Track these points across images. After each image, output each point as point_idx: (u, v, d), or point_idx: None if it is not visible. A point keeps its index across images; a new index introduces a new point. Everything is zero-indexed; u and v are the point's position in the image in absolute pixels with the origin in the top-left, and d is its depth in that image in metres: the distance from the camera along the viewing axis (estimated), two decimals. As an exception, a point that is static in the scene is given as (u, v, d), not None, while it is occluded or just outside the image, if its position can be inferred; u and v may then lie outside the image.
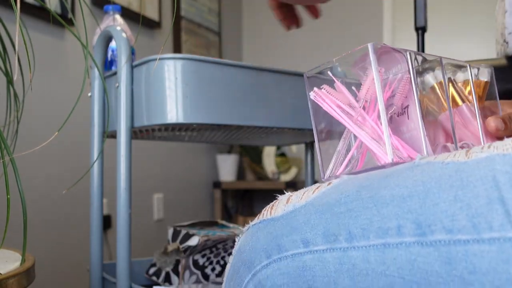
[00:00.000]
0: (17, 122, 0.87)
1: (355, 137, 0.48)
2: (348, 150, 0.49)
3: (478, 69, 0.54)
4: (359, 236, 0.37)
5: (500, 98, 0.55)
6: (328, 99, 0.48)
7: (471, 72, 0.52)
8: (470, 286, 0.32)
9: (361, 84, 0.47)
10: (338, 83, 0.48)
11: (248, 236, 0.47)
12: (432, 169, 0.37)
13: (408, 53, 0.47)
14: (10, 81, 0.80)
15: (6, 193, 0.59)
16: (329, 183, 0.44)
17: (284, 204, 0.45)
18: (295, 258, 0.41)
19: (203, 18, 2.54)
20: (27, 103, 1.35)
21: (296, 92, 0.96)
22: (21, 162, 1.39)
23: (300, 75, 0.97)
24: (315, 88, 0.49)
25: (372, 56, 0.44)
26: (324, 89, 0.48)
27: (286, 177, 2.58)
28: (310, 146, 1.33)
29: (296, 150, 2.68)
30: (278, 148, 2.60)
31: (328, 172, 0.49)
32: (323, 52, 2.55)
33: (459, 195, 0.33)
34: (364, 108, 0.47)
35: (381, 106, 0.44)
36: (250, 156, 2.60)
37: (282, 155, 2.65)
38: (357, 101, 0.47)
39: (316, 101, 0.48)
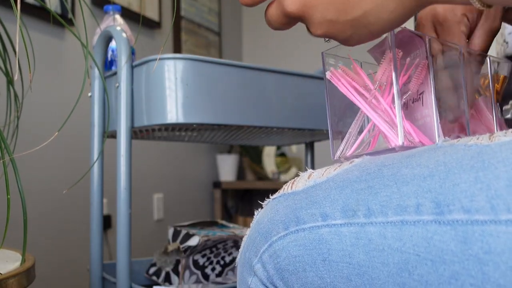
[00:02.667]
0: (17, 122, 0.87)
1: (368, 119, 0.48)
2: (360, 132, 0.49)
3: (498, 63, 0.53)
4: (378, 212, 0.38)
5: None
6: (344, 80, 0.47)
7: (490, 65, 0.52)
8: (484, 265, 0.32)
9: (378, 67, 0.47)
10: (355, 64, 0.48)
11: (267, 209, 0.47)
12: (455, 150, 0.37)
13: (427, 38, 0.46)
14: (10, 81, 0.80)
15: (6, 193, 0.59)
16: (351, 162, 0.44)
17: (305, 180, 0.45)
18: (313, 230, 0.41)
19: (203, 18, 2.54)
20: (27, 103, 1.35)
21: (296, 92, 0.96)
22: (21, 162, 1.39)
23: (300, 75, 0.97)
24: (331, 68, 0.48)
25: (390, 38, 0.44)
26: (341, 69, 0.48)
27: (286, 177, 2.58)
28: (310, 146, 1.33)
29: (296, 150, 2.68)
30: (278, 148, 2.60)
31: (338, 153, 0.49)
32: (323, 52, 2.55)
33: (479, 176, 0.34)
34: (379, 90, 0.47)
35: (395, 88, 0.44)
36: (250, 156, 2.60)
37: (282, 155, 2.64)
38: (373, 83, 0.47)
39: (332, 81, 0.48)
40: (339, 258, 0.39)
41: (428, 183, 0.36)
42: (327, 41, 0.47)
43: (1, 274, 0.58)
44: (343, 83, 0.47)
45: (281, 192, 0.47)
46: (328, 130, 1.08)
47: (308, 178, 0.45)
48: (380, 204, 0.38)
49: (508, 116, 0.56)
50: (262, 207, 0.49)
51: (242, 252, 0.49)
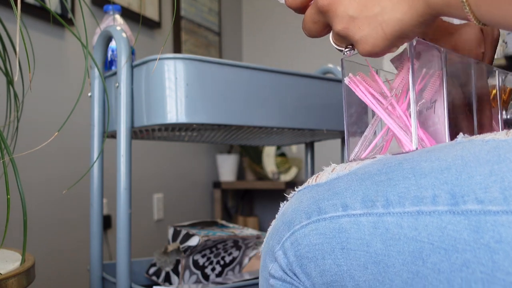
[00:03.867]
0: (17, 122, 0.87)
1: (382, 124, 0.50)
2: (374, 136, 0.51)
3: (506, 75, 0.55)
4: (396, 203, 0.39)
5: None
6: (361, 86, 0.49)
7: (498, 77, 0.54)
8: (495, 254, 0.33)
9: (396, 75, 0.49)
10: (372, 71, 0.50)
11: (293, 200, 0.50)
12: (472, 145, 0.38)
13: (443, 50, 0.49)
14: (10, 81, 0.80)
15: (6, 193, 0.59)
16: (373, 157, 0.46)
17: (329, 173, 0.48)
18: (333, 220, 0.43)
19: (203, 18, 2.54)
20: (27, 103, 1.35)
21: (296, 92, 0.96)
22: (21, 162, 1.39)
23: (300, 75, 0.97)
24: (350, 74, 0.50)
25: (409, 50, 0.46)
26: (359, 75, 0.50)
27: (286, 177, 2.58)
28: (310, 146, 1.33)
29: (296, 150, 2.68)
30: (278, 148, 2.60)
31: (353, 155, 0.51)
32: (324, 52, 2.55)
33: (494, 169, 0.35)
34: (395, 97, 0.49)
35: (412, 96, 0.46)
36: (250, 156, 2.60)
37: (282, 155, 2.64)
38: (389, 90, 0.49)
39: (350, 87, 0.50)
40: (357, 246, 0.41)
41: (445, 175, 0.37)
42: (345, 52, 0.49)
43: (1, 274, 0.58)
44: (361, 89, 0.49)
45: (305, 184, 0.50)
46: (328, 130, 1.08)
47: (332, 171, 0.48)
48: (398, 195, 0.39)
49: (508, 116, 0.57)
50: (287, 200, 0.51)
51: (266, 240, 0.51)
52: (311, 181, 0.49)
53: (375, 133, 0.51)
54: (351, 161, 0.50)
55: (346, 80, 0.50)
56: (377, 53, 0.46)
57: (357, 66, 0.51)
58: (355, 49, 0.48)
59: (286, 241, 0.47)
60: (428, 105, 0.50)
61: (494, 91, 0.54)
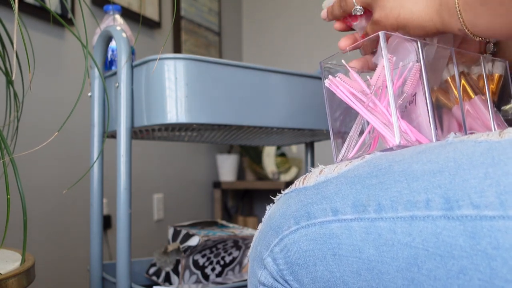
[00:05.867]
0: (17, 122, 0.87)
1: (368, 122, 0.49)
2: (360, 135, 0.51)
3: (493, 62, 0.55)
4: (388, 208, 0.38)
5: None
6: (342, 87, 0.49)
7: (484, 65, 0.53)
8: (492, 261, 0.32)
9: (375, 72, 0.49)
10: (352, 71, 0.50)
11: (279, 203, 0.48)
12: (465, 146, 0.37)
13: (418, 42, 0.48)
14: (10, 81, 0.80)
15: (6, 193, 0.59)
16: (362, 158, 0.45)
17: (317, 175, 0.46)
18: (323, 225, 0.42)
19: (203, 18, 2.54)
20: (27, 103, 1.35)
21: (296, 92, 0.96)
22: (21, 162, 1.39)
23: (300, 75, 0.97)
24: (329, 76, 0.50)
25: (383, 44, 0.46)
26: (339, 77, 0.50)
27: (286, 177, 2.58)
28: (310, 146, 1.33)
29: (296, 150, 2.68)
30: (278, 148, 2.60)
31: (340, 156, 0.51)
32: (324, 52, 2.55)
33: (489, 172, 0.34)
34: (376, 95, 0.48)
35: (390, 90, 0.45)
36: (250, 156, 2.60)
37: (282, 155, 2.64)
38: (369, 88, 0.49)
39: (331, 89, 0.50)
40: (349, 252, 0.40)
41: (438, 178, 0.36)
42: (357, 9, 0.53)
43: (1, 274, 0.58)
44: (342, 90, 0.49)
45: (293, 187, 0.48)
46: (328, 130, 1.08)
47: (320, 173, 0.46)
48: (390, 199, 0.38)
49: (509, 117, 0.57)
50: (273, 202, 0.50)
51: (254, 246, 0.49)
52: (298, 183, 0.47)
53: (362, 132, 0.51)
54: (339, 162, 0.49)
55: (327, 83, 0.50)
56: (383, 25, 0.48)
57: (337, 67, 0.51)
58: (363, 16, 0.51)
59: (275, 247, 0.46)
60: (410, 98, 0.49)
61: (482, 80, 0.54)
